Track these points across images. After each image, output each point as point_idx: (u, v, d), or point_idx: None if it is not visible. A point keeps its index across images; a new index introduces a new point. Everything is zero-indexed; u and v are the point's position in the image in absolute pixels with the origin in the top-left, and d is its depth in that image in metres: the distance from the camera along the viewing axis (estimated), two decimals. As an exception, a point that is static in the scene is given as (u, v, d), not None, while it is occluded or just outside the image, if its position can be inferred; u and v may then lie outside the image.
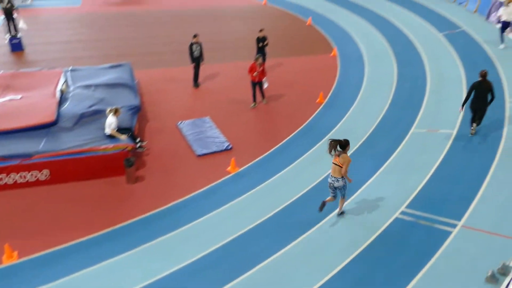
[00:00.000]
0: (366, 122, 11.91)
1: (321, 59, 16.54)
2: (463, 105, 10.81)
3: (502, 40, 16.08)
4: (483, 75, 10.41)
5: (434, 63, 15.56)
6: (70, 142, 9.85)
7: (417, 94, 13.44)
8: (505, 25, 15.98)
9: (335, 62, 16.25)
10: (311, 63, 16.26)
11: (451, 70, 14.92)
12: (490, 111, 11.57)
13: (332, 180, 7.85)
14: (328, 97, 13.52)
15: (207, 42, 18.19)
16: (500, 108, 12.22)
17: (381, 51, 17.02)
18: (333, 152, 7.61)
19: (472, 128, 10.99)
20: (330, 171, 7.92)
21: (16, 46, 17.14)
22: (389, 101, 13.05)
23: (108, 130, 10.10)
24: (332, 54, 16.91)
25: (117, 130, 10.22)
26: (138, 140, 10.76)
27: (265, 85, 12.85)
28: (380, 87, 14.01)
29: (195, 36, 13.82)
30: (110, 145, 9.78)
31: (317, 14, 21.87)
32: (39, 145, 9.68)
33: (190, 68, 15.40)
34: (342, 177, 7.68)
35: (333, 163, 7.73)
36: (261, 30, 14.74)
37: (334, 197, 8.12)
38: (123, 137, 10.09)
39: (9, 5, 17.41)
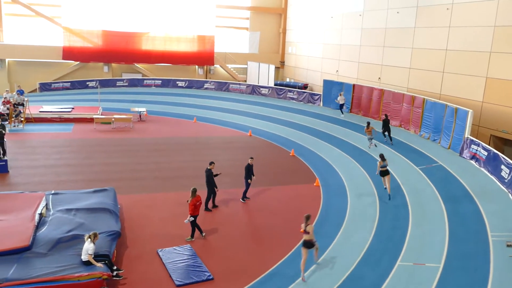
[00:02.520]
0: (351, 253, 11.73)
1: (304, 189, 16.81)
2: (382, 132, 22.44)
3: (342, 112, 29.39)
4: (386, 115, 22.69)
5: (414, 195, 15.90)
6: (42, 269, 9.41)
7: (400, 226, 13.46)
8: (341, 106, 29.44)
9: (318, 192, 16.50)
10: (295, 192, 16.47)
11: (432, 203, 15.11)
12: (473, 243, 11.64)
13: (384, 166, 15.62)
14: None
15: (192, 169, 18.90)
16: (483, 243, 12.29)
17: (362, 182, 17.38)
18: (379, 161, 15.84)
19: (391, 142, 22.03)
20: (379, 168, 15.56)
21: (1, 168, 17.30)
22: (373, 232, 13.00)
23: (84, 257, 9.78)
24: (315, 184, 17.30)
25: (94, 257, 9.89)
26: (115, 268, 10.36)
27: (185, 220, 12.37)
28: (363, 218, 14.03)
29: (212, 163, 14.61)
30: (84, 273, 9.37)
31: (300, 145, 22.95)
32: (8, 272, 9.19)
33: (172, 194, 15.50)
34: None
35: (381, 167, 15.61)
36: (251, 158, 15.58)
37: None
38: (99, 264, 9.74)
39: (0, 129, 18.08)
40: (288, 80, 42.68)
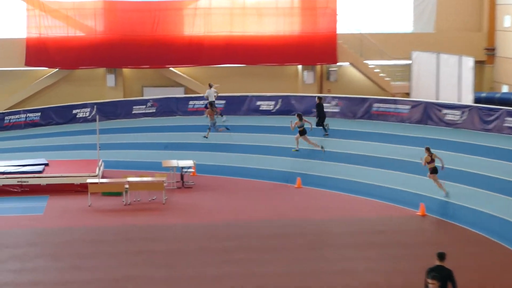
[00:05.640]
0: None
1: None
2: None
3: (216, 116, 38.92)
4: (320, 98, 37.65)
5: None
6: None
7: None
8: (210, 105, 37.80)
9: None
10: None
11: None
12: None
13: (301, 125, 33.23)
14: None
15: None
16: None
17: None
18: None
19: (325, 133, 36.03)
20: None
21: None
22: None
23: None
24: None
25: None
26: None
27: None
28: None
29: None
30: None
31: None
32: None
33: None
34: None
35: (299, 126, 32.96)
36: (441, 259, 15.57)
37: None
38: None
39: None
40: (506, 89, 42.09)
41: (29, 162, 30.75)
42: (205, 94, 38.82)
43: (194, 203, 27.50)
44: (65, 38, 41.19)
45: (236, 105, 41.39)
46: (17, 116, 40.00)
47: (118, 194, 27.64)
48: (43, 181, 28.96)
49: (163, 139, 36.49)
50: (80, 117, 40.41)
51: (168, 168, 30.06)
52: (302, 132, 31.80)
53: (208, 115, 34.97)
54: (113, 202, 27.51)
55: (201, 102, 41.06)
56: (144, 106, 41.09)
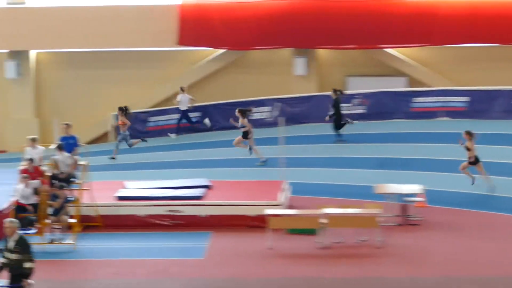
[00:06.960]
0: None
1: None
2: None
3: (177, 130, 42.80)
4: (338, 92, 40.12)
5: None
6: None
7: None
8: (185, 116, 41.88)
9: None
10: None
11: None
12: None
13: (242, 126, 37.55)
14: None
15: None
16: None
17: None
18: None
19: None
20: None
21: None
22: None
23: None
24: None
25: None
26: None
27: None
28: None
29: None
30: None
31: None
32: None
33: None
34: None
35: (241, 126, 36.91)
36: None
37: None
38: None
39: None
40: None
41: (184, 184, 29.25)
42: (177, 100, 40.08)
43: (424, 247, 24.75)
44: (235, 5, 40.06)
45: (483, 104, 38.89)
46: (166, 117, 39.70)
47: (311, 232, 25.23)
48: (203, 211, 26.97)
49: (375, 153, 34.52)
50: (256, 119, 38.46)
51: (384, 196, 27.34)
52: (246, 134, 32.74)
53: (121, 125, 36.24)
54: (304, 243, 25.18)
55: (429, 99, 39.21)
56: (350, 104, 39.13)
